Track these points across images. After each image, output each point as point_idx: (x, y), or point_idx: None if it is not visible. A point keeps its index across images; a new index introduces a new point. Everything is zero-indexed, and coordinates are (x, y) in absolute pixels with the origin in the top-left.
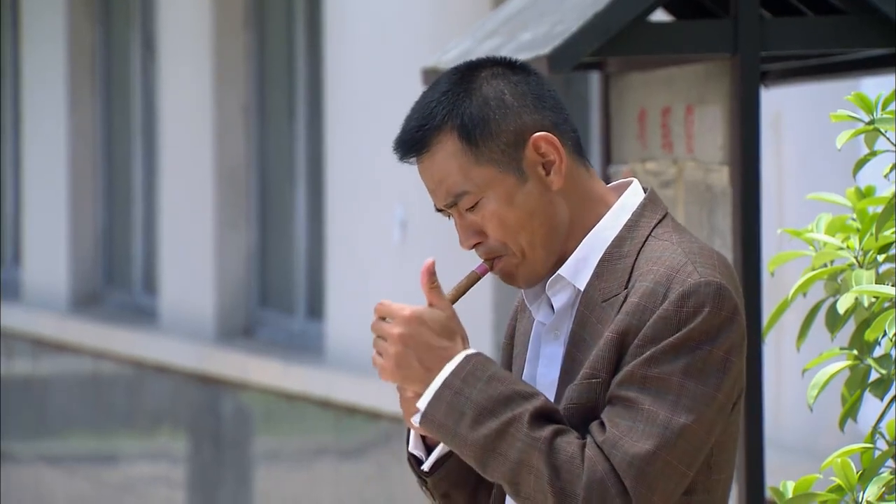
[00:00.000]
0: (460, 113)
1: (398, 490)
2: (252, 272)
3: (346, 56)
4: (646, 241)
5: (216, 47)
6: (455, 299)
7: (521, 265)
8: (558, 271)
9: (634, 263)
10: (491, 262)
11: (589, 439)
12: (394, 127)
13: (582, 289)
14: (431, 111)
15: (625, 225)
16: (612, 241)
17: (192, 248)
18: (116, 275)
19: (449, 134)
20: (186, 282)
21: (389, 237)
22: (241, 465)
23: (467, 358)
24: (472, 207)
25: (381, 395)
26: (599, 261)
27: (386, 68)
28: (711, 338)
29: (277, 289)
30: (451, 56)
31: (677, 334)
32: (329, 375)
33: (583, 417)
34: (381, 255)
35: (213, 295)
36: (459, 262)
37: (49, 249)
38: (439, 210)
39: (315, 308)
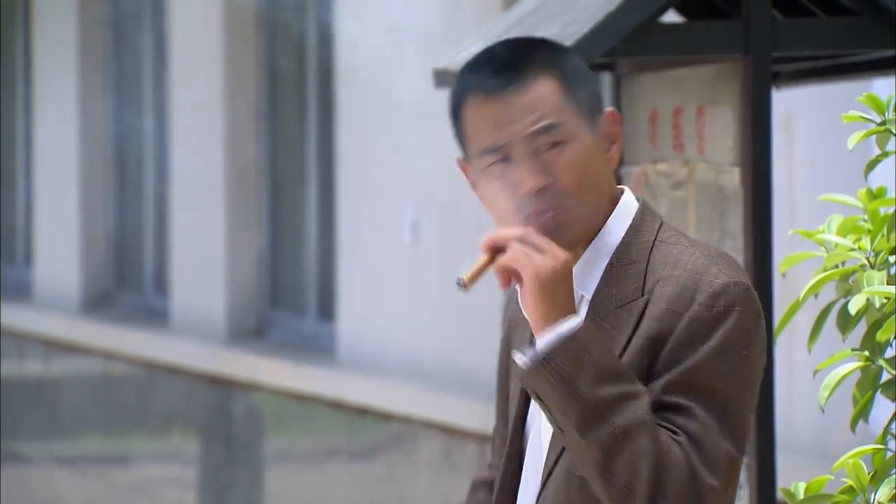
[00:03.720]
0: (562, 60)
1: (409, 491)
2: (263, 273)
3: (358, 57)
4: (653, 245)
5: (227, 49)
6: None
7: (579, 221)
8: None
9: (647, 268)
10: (541, 215)
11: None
12: (405, 127)
13: (588, 296)
14: (529, 52)
15: (628, 230)
16: (618, 246)
17: (203, 249)
18: (128, 276)
19: (549, 74)
20: (198, 283)
21: (400, 238)
22: (253, 466)
23: (588, 323)
24: (555, 146)
25: (392, 396)
26: (606, 267)
27: (397, 69)
28: (746, 342)
29: (288, 290)
30: (462, 57)
31: (714, 338)
32: (340, 376)
33: None
34: (393, 256)
35: (224, 296)
36: (469, 262)
37: (61, 251)
38: (493, 151)
39: (326, 309)
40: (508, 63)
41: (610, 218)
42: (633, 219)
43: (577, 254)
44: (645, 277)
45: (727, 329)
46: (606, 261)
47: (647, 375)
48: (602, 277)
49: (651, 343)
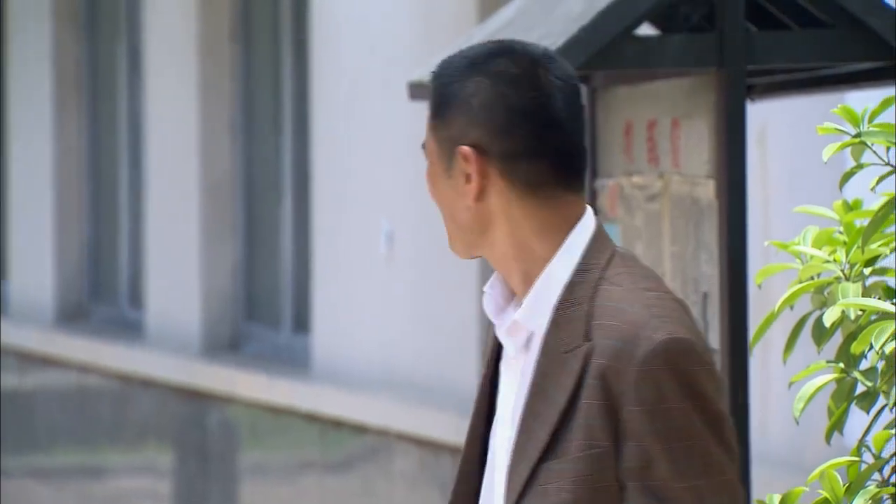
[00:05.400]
0: (447, 81)
1: None
2: (238, 286)
3: (333, 69)
4: (598, 285)
5: (202, 61)
6: None
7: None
8: (514, 317)
9: (590, 311)
10: None
11: None
12: (380, 140)
13: (539, 333)
14: (452, 62)
15: (577, 267)
16: (566, 285)
17: (177, 261)
18: (102, 289)
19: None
20: (172, 295)
21: (376, 250)
22: (227, 479)
23: None
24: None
25: (368, 409)
26: (555, 308)
27: (372, 82)
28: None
29: (263, 302)
30: None
31: (662, 411)
32: (315, 389)
33: (593, 488)
34: (368, 268)
35: (199, 309)
36: (445, 275)
37: (35, 263)
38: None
39: (301, 321)
40: (433, 76)
41: (559, 250)
42: (583, 254)
43: (522, 287)
44: (588, 321)
45: (670, 390)
46: (555, 298)
47: (613, 437)
48: (552, 319)
49: (608, 403)
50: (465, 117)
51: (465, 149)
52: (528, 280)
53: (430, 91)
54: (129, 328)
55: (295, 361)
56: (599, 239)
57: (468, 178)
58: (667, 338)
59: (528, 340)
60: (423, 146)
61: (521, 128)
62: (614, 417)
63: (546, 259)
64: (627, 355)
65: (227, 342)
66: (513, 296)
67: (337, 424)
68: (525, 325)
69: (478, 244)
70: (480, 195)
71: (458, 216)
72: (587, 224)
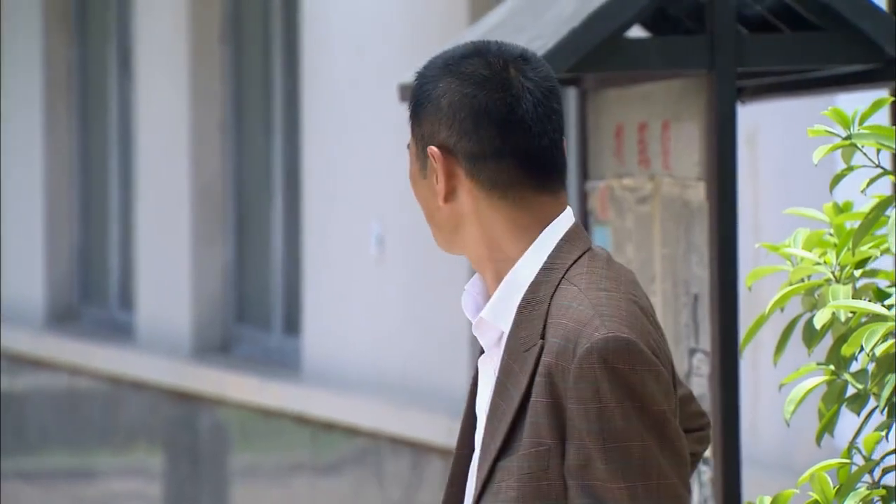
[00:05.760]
0: (425, 83)
1: None
2: (229, 288)
3: (323, 72)
4: (559, 284)
5: (192, 63)
6: None
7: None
8: (480, 314)
9: (548, 310)
10: None
11: None
12: (371, 142)
13: (506, 332)
14: (436, 63)
15: (541, 268)
16: (530, 285)
17: (168, 264)
18: (93, 291)
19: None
20: (163, 298)
21: (366, 252)
22: (218, 481)
23: None
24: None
25: (358, 411)
26: (519, 307)
27: (363, 84)
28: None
29: (254, 304)
30: None
31: (599, 415)
32: (306, 391)
33: (536, 485)
34: (358, 270)
35: (189, 311)
36: (436, 276)
37: (26, 266)
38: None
39: (292, 324)
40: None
41: (527, 251)
42: (550, 254)
43: (495, 286)
44: (545, 320)
45: (607, 389)
46: (520, 296)
47: (560, 434)
48: (515, 318)
49: (554, 401)
50: (435, 117)
51: (433, 149)
52: (499, 279)
53: (410, 91)
54: (120, 330)
55: (286, 363)
56: (572, 239)
57: (437, 178)
58: (606, 336)
59: (500, 339)
60: (408, 146)
61: (487, 129)
62: (560, 415)
63: (515, 259)
64: (569, 353)
65: (217, 344)
66: (489, 295)
67: (328, 427)
68: (492, 323)
69: (454, 242)
70: (449, 195)
71: (434, 215)
72: (561, 224)
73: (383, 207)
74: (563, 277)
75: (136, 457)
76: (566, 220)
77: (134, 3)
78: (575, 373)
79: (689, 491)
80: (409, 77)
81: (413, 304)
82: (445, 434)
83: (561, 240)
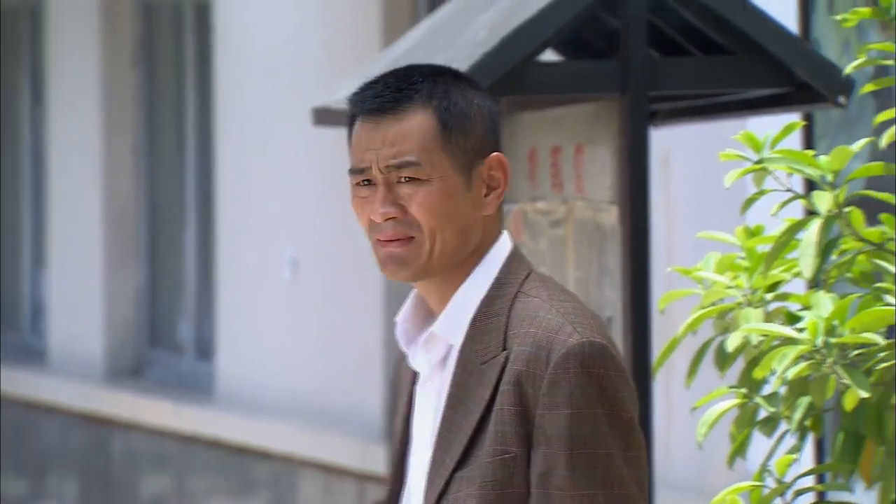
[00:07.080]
0: (448, 97)
1: None
2: (141, 312)
3: (236, 95)
4: (515, 297)
5: (104, 88)
6: None
7: (421, 256)
8: (432, 328)
9: (507, 322)
10: (388, 242)
11: None
12: (284, 165)
13: (456, 345)
14: (417, 82)
15: (494, 282)
16: (483, 299)
17: (80, 288)
18: (5, 316)
19: (427, 108)
20: (75, 322)
21: (279, 276)
22: None
23: None
24: (412, 181)
25: (272, 435)
26: (472, 320)
27: (276, 107)
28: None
29: (167, 328)
30: (341, 96)
31: (575, 434)
32: (219, 415)
33: (500, 493)
34: (272, 294)
35: (101, 335)
36: (349, 300)
37: None
38: (357, 172)
39: (205, 347)
40: (392, 90)
41: (477, 267)
42: (500, 270)
43: (445, 301)
44: (506, 332)
45: (582, 394)
46: (473, 311)
47: (526, 443)
48: (468, 332)
49: (523, 410)
50: (482, 126)
51: (500, 156)
52: (447, 296)
53: (431, 113)
54: (32, 354)
55: (199, 387)
56: (518, 257)
57: (490, 189)
58: (581, 341)
59: (446, 356)
60: (409, 164)
61: (499, 130)
62: (528, 423)
63: (466, 271)
64: (542, 360)
65: (130, 368)
66: (423, 327)
67: (241, 450)
68: (443, 338)
69: (457, 259)
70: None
71: (467, 229)
72: (505, 243)
73: (297, 231)
74: (518, 292)
75: (48, 482)
76: (507, 238)
77: (45, 29)
78: (549, 379)
79: (647, 501)
80: (322, 101)
81: (326, 328)
82: (359, 457)
83: (508, 257)
